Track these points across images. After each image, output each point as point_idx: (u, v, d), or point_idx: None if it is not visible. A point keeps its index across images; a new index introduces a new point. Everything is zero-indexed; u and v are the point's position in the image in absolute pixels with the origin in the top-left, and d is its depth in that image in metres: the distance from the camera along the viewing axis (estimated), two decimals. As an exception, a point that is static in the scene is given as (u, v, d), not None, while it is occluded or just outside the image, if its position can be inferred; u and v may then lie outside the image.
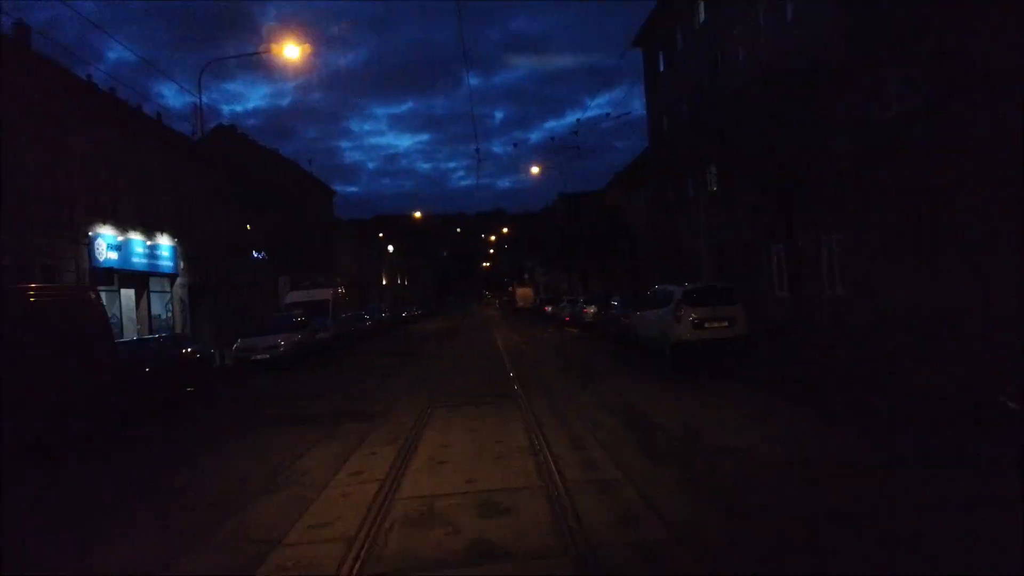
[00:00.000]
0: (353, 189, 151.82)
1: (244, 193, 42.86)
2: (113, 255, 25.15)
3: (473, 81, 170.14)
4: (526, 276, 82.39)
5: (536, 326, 42.27)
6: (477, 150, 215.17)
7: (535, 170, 51.43)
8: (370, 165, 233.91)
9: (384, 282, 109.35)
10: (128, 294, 27.33)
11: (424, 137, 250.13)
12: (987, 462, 7.22)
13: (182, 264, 31.86)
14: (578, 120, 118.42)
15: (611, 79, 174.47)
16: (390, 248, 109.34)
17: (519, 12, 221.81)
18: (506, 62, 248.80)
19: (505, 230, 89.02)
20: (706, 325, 16.16)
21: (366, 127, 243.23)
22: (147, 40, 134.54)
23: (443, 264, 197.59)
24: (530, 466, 8.27)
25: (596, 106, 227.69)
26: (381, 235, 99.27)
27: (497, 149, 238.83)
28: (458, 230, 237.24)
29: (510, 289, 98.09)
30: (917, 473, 7.17)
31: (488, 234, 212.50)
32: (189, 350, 17.23)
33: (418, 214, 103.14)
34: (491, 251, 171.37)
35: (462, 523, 6.35)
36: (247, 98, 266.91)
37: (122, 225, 26.40)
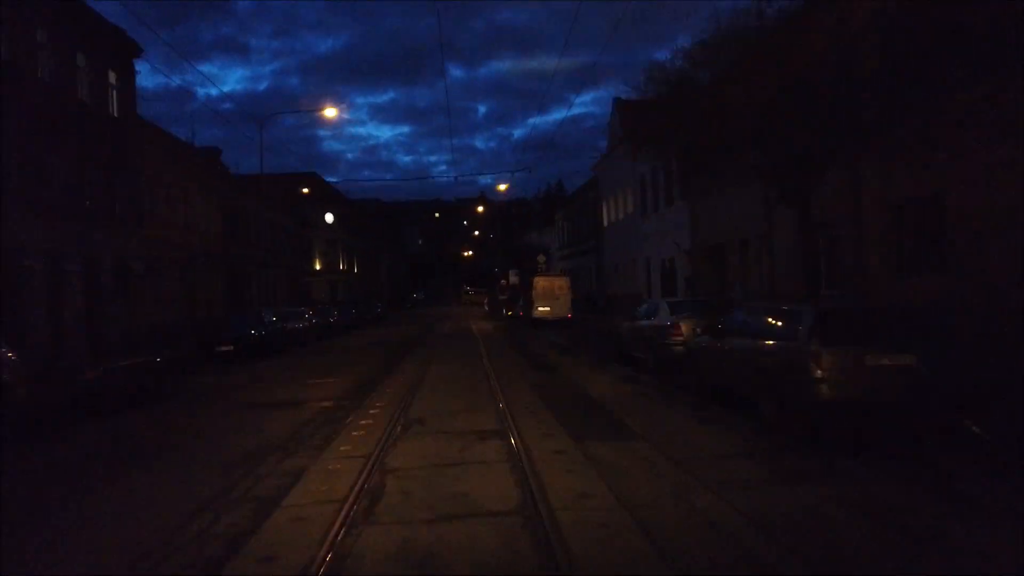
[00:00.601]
0: (332, 179, 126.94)
1: None
2: None
3: (456, 73, 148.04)
4: (542, 260, 46.81)
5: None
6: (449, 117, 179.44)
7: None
8: (349, 156, 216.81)
9: (318, 266, 72.78)
10: None
11: (405, 129, 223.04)
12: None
13: None
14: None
15: (597, 77, 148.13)
16: (328, 218, 72.90)
17: (504, 2, 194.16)
18: (490, 54, 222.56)
19: (504, 186, 55.88)
20: None
21: (346, 116, 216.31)
22: (114, 15, 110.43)
23: (417, 253, 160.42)
24: None
25: (581, 104, 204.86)
26: (306, 190, 62.80)
27: (479, 144, 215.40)
28: (436, 215, 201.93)
29: (502, 283, 61.92)
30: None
31: (470, 219, 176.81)
32: None
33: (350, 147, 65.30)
34: (475, 232, 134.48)
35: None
36: (223, 80, 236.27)
37: None
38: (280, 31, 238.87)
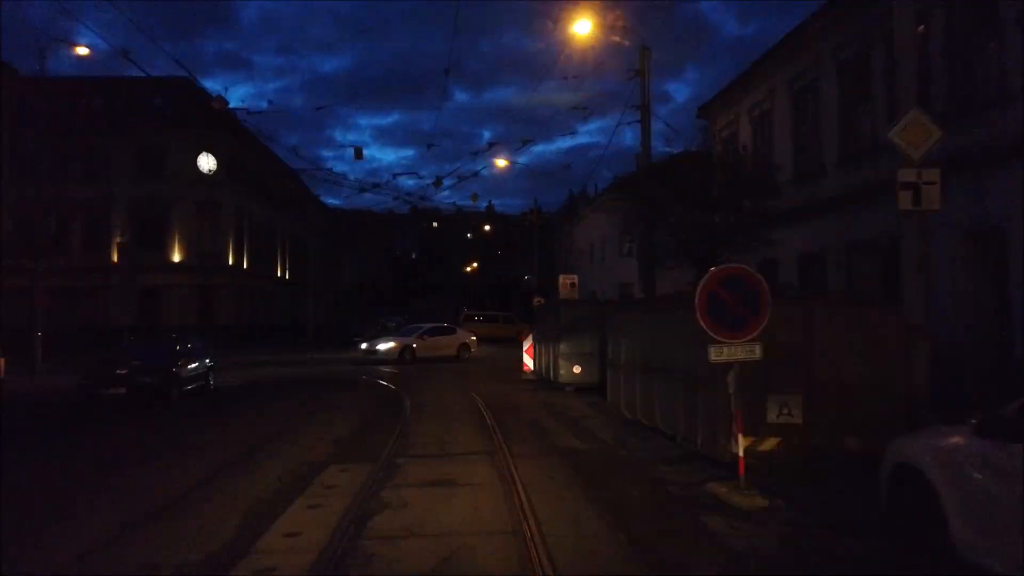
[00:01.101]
0: (335, 201, 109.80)
1: None
2: None
3: (461, 97, 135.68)
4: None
5: None
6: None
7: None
8: (352, 177, 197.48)
9: (177, 256, 36.78)
10: None
11: (408, 152, 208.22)
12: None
13: None
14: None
15: (603, 107, 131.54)
16: (204, 164, 36.97)
17: (512, 27, 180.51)
18: (497, 79, 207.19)
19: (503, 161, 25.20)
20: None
21: (349, 137, 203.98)
22: (120, 28, 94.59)
23: (408, 267, 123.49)
24: None
25: (586, 133, 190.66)
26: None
27: (483, 171, 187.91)
28: (434, 224, 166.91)
29: (538, 300, 25.93)
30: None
31: (475, 230, 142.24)
32: None
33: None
34: (482, 226, 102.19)
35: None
36: (225, 97, 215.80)
37: None
38: (284, 48, 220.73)
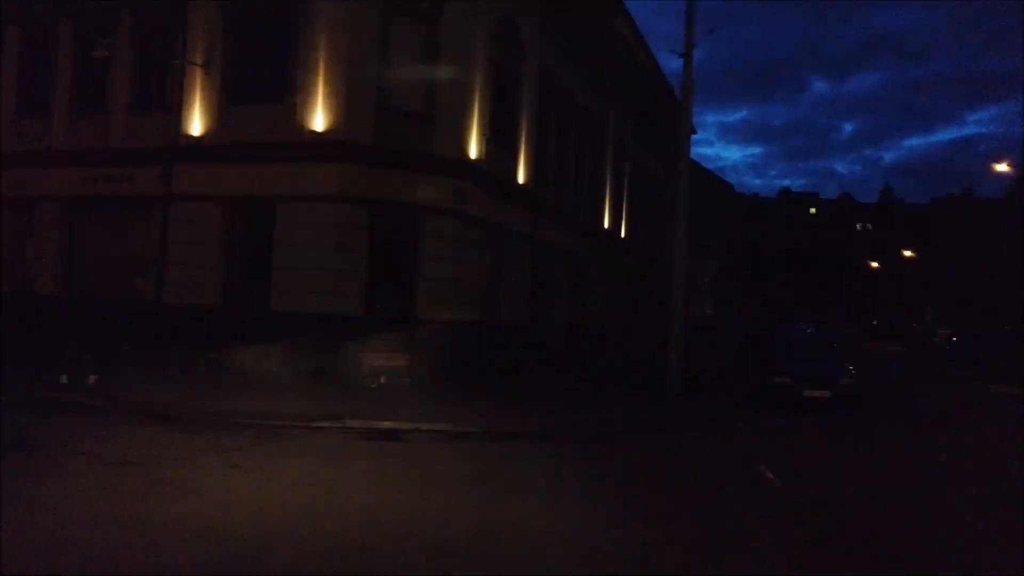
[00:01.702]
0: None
1: None
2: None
3: (819, 86, 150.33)
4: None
5: None
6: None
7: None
8: None
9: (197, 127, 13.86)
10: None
11: (756, 150, 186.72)
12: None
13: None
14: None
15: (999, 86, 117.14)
16: None
17: (882, 7, 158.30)
18: (863, 64, 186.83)
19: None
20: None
21: (697, 137, 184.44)
22: None
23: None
24: None
25: (975, 122, 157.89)
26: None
27: (841, 168, 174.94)
28: (812, 211, 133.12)
29: None
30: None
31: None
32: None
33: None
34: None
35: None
36: None
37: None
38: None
